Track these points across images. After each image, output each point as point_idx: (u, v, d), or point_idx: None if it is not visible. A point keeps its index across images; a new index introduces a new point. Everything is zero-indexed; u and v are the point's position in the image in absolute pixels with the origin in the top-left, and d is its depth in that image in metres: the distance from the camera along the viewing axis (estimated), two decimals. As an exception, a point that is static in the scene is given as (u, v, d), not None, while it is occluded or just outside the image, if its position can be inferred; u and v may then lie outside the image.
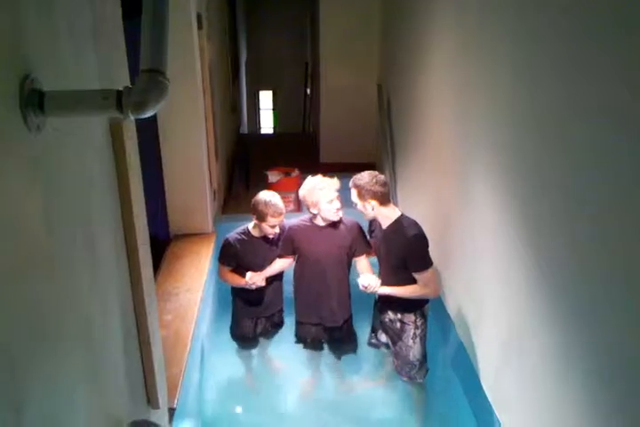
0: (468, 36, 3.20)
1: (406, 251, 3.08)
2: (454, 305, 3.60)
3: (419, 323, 3.30)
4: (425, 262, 3.10)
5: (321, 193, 3.26)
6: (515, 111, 2.52)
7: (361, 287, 3.22)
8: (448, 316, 3.64)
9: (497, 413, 2.77)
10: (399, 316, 3.33)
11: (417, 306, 3.29)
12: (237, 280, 3.49)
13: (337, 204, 3.28)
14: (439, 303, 3.76)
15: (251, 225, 3.52)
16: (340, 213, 3.34)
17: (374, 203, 3.09)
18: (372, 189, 3.08)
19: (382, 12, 6.05)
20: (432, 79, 4.04)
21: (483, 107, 2.95)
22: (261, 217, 3.35)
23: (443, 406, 3.49)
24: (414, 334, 3.31)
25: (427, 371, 3.42)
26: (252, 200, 3.43)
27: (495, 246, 2.80)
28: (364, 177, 3.12)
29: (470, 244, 3.23)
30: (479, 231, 3.06)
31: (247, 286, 3.42)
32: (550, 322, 2.19)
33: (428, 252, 3.11)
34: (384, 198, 3.11)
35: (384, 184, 3.12)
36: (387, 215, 3.16)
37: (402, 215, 3.18)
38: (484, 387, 2.97)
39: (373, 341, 3.69)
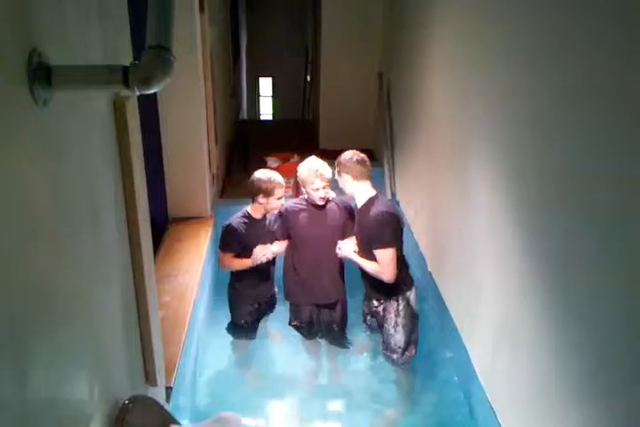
0: (471, 26, 3.20)
1: (370, 227, 3.18)
2: (450, 291, 3.63)
3: (400, 311, 3.35)
4: (383, 240, 3.15)
5: (310, 179, 3.36)
6: (515, 101, 2.53)
7: (337, 249, 3.38)
8: (443, 302, 3.67)
9: (490, 399, 2.80)
10: (382, 303, 3.40)
11: (394, 293, 3.34)
12: (243, 262, 3.48)
13: (322, 193, 3.39)
14: (435, 289, 3.80)
15: (249, 208, 3.54)
16: (330, 195, 3.48)
17: (347, 177, 3.24)
18: (347, 164, 3.24)
19: (385, -1, 6.03)
20: (433, 68, 4.04)
21: (483, 96, 2.96)
22: (268, 192, 3.38)
23: (436, 393, 3.53)
24: (396, 322, 3.37)
25: (411, 357, 3.48)
26: (252, 181, 3.44)
27: (491, 235, 2.83)
28: (346, 154, 3.31)
29: (467, 231, 3.25)
30: (476, 218, 3.08)
31: (258, 262, 3.44)
32: (544, 309, 2.22)
33: (390, 232, 3.15)
34: (359, 174, 3.24)
35: (361, 162, 3.25)
36: (360, 192, 3.27)
37: (376, 195, 3.28)
38: (478, 373, 3.00)
39: (365, 325, 3.77)
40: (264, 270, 3.60)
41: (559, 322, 2.09)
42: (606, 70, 1.76)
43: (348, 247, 3.35)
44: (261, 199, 3.43)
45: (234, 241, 3.47)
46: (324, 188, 3.39)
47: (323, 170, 3.38)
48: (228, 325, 3.79)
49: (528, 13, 2.36)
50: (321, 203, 3.47)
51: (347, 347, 3.87)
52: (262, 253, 3.44)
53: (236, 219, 3.52)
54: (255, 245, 3.49)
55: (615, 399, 1.76)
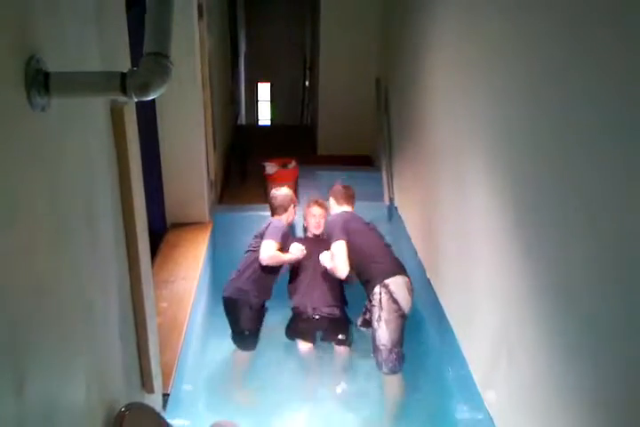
0: (469, 29, 3.21)
1: (326, 230, 3.92)
2: (448, 297, 3.62)
3: (384, 304, 3.44)
4: (330, 235, 3.78)
5: (310, 204, 4.25)
6: (514, 105, 2.53)
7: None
8: (441, 308, 3.66)
9: (487, 407, 2.79)
10: (370, 296, 3.55)
11: (370, 278, 3.58)
12: (289, 256, 3.92)
13: (318, 218, 4.17)
14: (433, 295, 3.79)
15: (282, 218, 4.09)
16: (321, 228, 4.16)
17: (332, 200, 4.10)
18: (334, 189, 4.14)
19: (383, 4, 6.04)
20: (430, 74, 4.05)
21: (482, 101, 2.96)
22: (294, 202, 4.27)
23: (433, 400, 3.50)
24: (379, 316, 3.45)
25: (396, 364, 3.44)
26: (280, 196, 4.14)
27: (489, 240, 2.82)
28: (337, 186, 4.20)
29: (465, 236, 3.25)
30: (474, 223, 3.07)
31: (299, 256, 3.96)
32: (545, 314, 2.21)
33: (336, 228, 3.75)
34: (341, 200, 4.08)
35: (345, 191, 4.12)
36: (336, 211, 4.05)
37: (345, 211, 4.00)
38: (476, 380, 2.99)
39: (363, 318, 3.81)
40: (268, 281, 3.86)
41: (560, 327, 2.08)
42: (604, 72, 1.76)
43: (324, 257, 3.83)
44: (292, 209, 4.16)
45: (285, 238, 3.90)
46: (320, 216, 4.14)
47: (321, 201, 4.22)
48: (232, 335, 3.81)
49: (527, 18, 2.36)
50: (315, 231, 4.17)
51: (344, 342, 3.90)
52: (299, 249, 3.97)
53: (284, 223, 4.04)
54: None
55: (617, 406, 1.76)
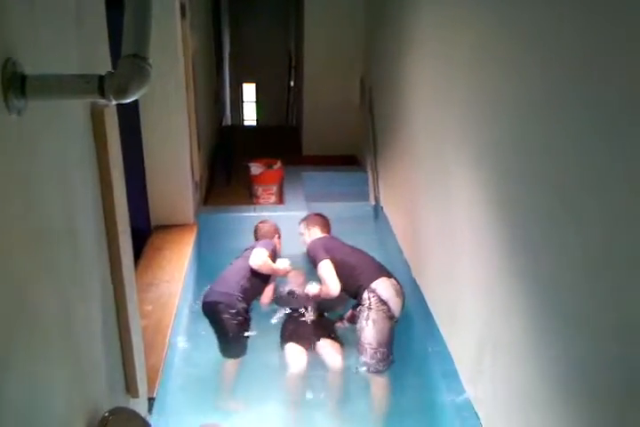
0: (451, 31, 3.22)
1: (308, 256, 4.00)
2: (433, 295, 3.63)
3: (372, 305, 3.46)
4: (312, 258, 3.87)
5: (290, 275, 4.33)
6: (497, 104, 2.54)
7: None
8: (427, 306, 3.66)
9: (474, 404, 2.80)
10: (361, 302, 3.56)
11: (358, 295, 3.59)
12: (278, 266, 4.02)
13: (295, 276, 4.34)
14: (418, 292, 3.80)
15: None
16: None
17: (316, 229, 4.20)
18: (310, 220, 4.29)
19: (367, 5, 6.05)
20: (413, 72, 4.05)
21: (465, 99, 2.97)
22: (279, 232, 4.42)
23: (419, 399, 3.50)
24: (367, 315, 3.47)
25: (382, 364, 3.43)
26: (265, 227, 4.36)
27: (473, 237, 2.83)
28: (312, 216, 4.39)
29: (449, 233, 3.26)
30: (457, 222, 3.08)
31: (286, 268, 4.09)
32: (529, 310, 2.22)
33: (317, 250, 3.86)
34: (317, 228, 4.21)
35: (321, 219, 4.30)
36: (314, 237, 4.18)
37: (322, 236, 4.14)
38: (462, 377, 3.00)
39: (351, 313, 3.85)
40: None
41: (544, 322, 2.09)
42: (596, 69, 1.76)
43: (312, 288, 3.91)
44: (277, 239, 4.30)
45: (273, 253, 4.02)
46: (298, 274, 4.29)
47: (296, 268, 4.31)
48: (218, 343, 3.76)
49: (514, 16, 2.36)
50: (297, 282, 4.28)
51: (336, 339, 3.86)
52: (286, 262, 4.10)
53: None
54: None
55: (599, 402, 1.76)
